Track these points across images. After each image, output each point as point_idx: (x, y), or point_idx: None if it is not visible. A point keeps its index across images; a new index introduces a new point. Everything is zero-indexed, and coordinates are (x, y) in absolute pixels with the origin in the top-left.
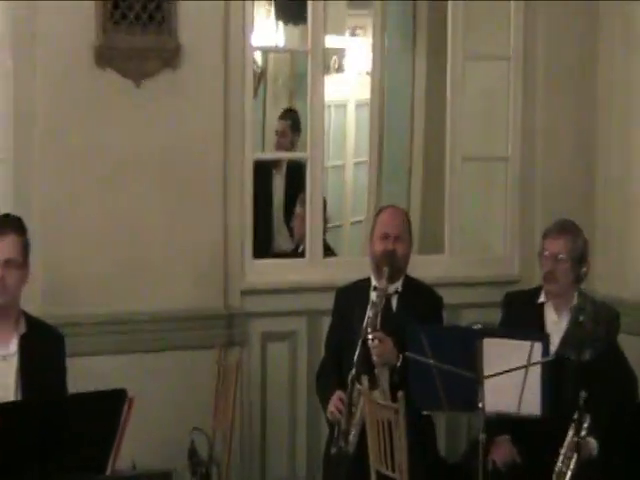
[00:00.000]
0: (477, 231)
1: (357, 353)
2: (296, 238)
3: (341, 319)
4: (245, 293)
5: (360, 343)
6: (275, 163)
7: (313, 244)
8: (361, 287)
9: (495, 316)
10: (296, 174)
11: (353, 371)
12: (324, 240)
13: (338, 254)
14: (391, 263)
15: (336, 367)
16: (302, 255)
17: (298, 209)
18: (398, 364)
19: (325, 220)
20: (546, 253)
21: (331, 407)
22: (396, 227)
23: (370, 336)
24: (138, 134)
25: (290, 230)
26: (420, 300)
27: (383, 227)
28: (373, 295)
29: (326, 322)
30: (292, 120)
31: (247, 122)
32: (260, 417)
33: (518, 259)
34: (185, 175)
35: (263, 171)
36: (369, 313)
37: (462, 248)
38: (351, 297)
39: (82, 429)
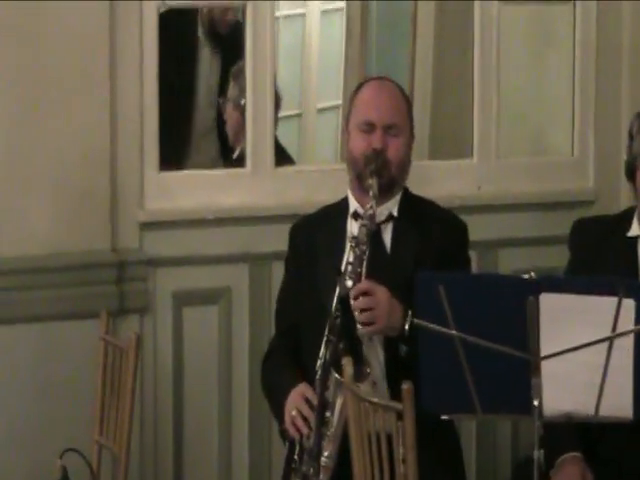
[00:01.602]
0: (526, 120)
1: (330, 321)
2: (230, 137)
3: (300, 273)
4: (146, 228)
5: (335, 304)
6: (209, 32)
7: (257, 146)
8: (331, 216)
9: (558, 258)
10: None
11: (325, 351)
12: (275, 139)
13: (298, 162)
14: (379, 170)
15: (294, 348)
16: (239, 164)
17: (231, 89)
18: (406, 331)
19: (276, 105)
20: None
21: (292, 412)
22: (386, 111)
23: (352, 292)
24: None
25: (223, 126)
26: (430, 230)
27: (365, 112)
28: (354, 226)
29: (279, 272)
30: None
31: None
32: (173, 425)
33: (593, 166)
34: (41, 26)
35: (184, 37)
36: (348, 256)
37: (502, 149)
38: (316, 235)
39: None
